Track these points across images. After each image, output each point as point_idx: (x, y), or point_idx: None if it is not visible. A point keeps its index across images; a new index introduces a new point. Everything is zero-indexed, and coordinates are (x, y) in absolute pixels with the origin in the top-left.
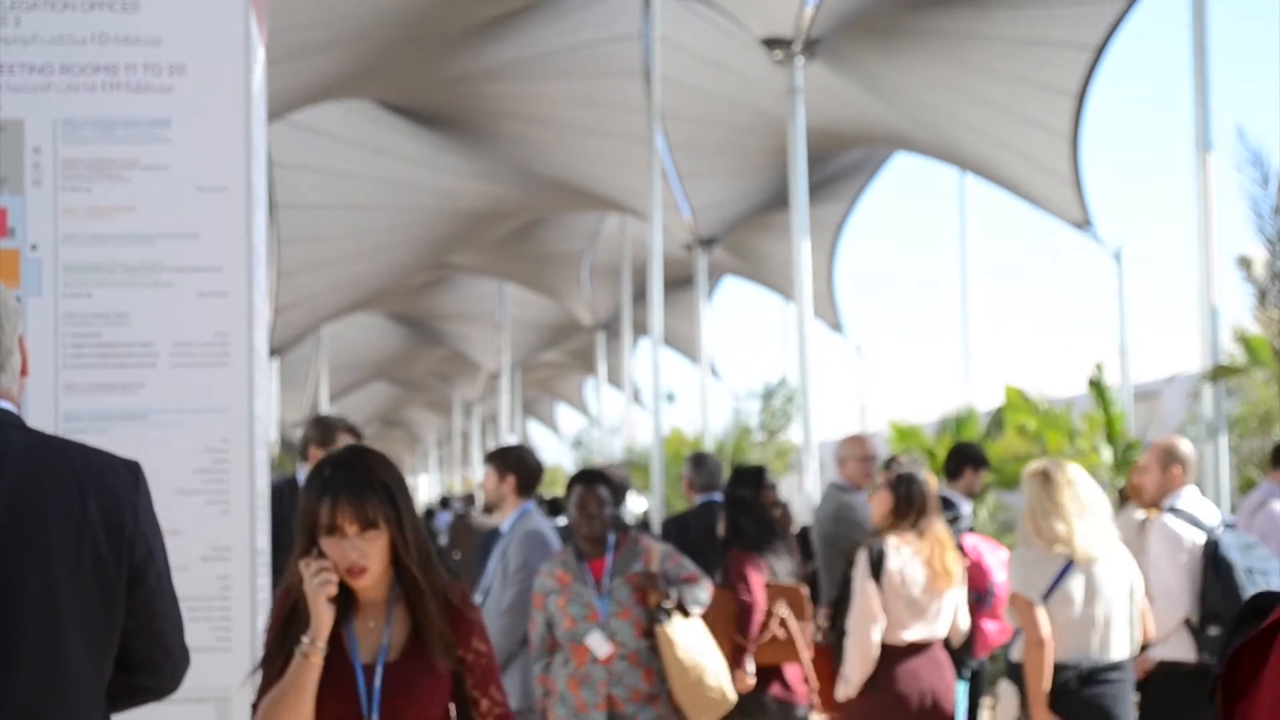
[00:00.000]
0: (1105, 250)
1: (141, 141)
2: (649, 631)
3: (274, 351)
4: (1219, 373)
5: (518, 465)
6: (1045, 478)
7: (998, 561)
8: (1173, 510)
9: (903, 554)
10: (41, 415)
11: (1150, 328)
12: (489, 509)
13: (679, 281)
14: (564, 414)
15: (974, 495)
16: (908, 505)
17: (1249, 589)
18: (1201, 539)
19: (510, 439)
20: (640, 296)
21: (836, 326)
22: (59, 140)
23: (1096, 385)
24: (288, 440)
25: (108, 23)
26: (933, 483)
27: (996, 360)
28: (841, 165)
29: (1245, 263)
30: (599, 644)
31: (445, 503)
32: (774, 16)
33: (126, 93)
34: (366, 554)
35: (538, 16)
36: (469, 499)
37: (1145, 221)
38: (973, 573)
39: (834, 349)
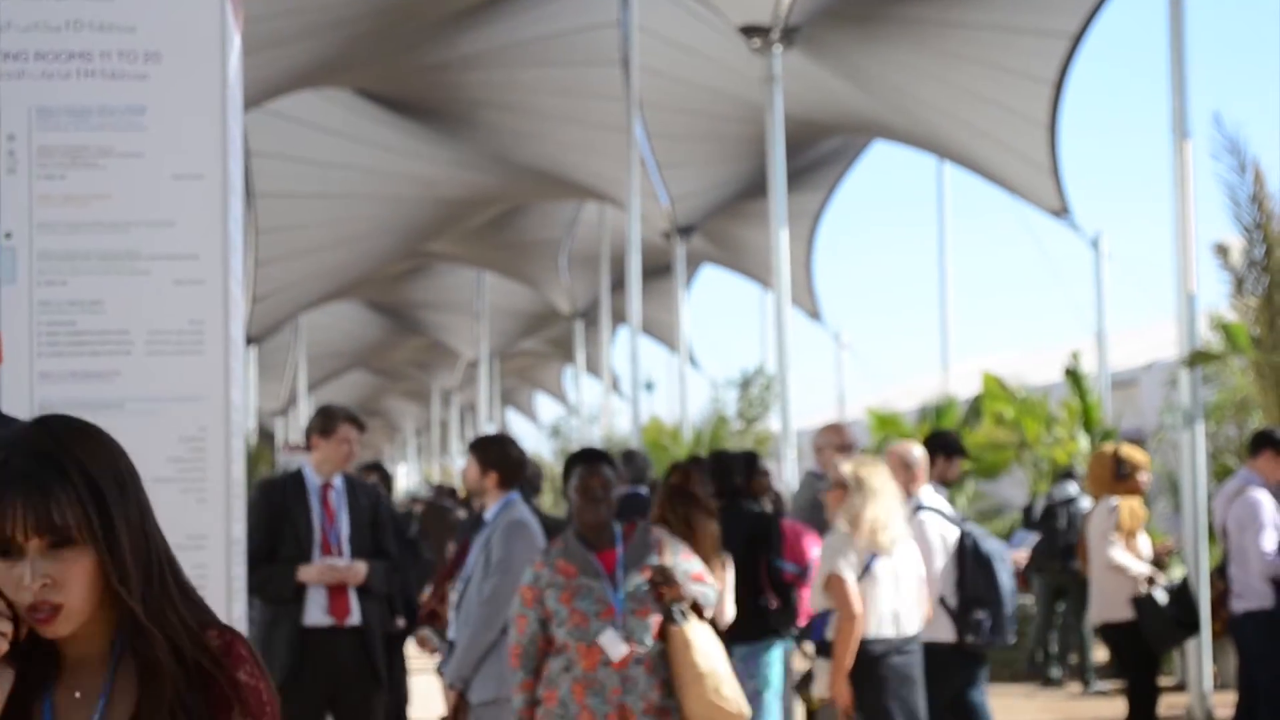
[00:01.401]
0: (1083, 238)
1: (117, 129)
2: (666, 635)
3: (252, 340)
4: (1196, 359)
5: (500, 457)
6: (863, 478)
7: (813, 539)
8: (924, 508)
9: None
10: (16, 403)
11: (1128, 315)
12: (468, 499)
13: (657, 270)
14: (543, 403)
15: (949, 483)
16: (669, 505)
17: (1001, 574)
18: (955, 532)
19: (489, 428)
20: (619, 285)
21: (815, 315)
22: (33, 127)
23: (1073, 374)
24: (265, 429)
25: (82, 9)
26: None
27: (975, 348)
28: (820, 153)
29: (1222, 250)
30: (613, 643)
31: (452, 492)
32: (752, 4)
33: (102, 80)
34: (59, 583)
35: (516, 5)
36: (450, 491)
37: (1123, 209)
38: (794, 547)
39: (812, 337)
